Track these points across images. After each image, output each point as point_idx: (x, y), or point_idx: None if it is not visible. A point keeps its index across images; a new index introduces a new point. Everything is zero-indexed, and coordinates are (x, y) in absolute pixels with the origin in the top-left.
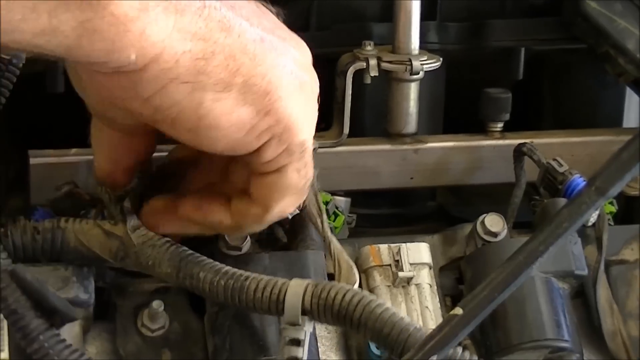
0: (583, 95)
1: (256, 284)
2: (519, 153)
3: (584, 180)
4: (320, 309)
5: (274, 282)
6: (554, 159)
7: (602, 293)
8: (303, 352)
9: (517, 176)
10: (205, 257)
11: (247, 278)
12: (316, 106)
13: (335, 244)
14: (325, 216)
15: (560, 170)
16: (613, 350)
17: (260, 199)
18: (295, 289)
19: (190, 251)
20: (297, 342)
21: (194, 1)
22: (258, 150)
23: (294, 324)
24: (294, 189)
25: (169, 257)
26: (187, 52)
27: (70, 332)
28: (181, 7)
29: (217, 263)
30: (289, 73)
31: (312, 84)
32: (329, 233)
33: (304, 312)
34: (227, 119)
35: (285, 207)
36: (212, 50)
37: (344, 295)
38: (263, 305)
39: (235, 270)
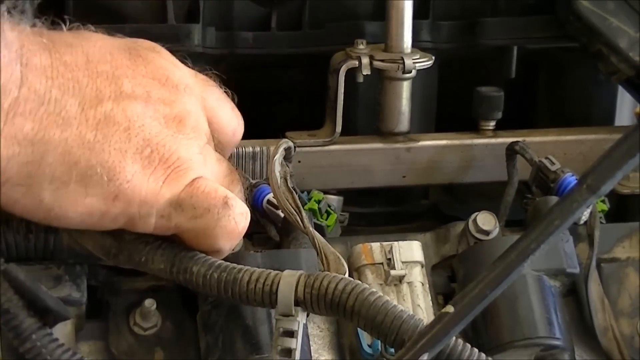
0: (576, 94)
1: (249, 276)
2: (511, 151)
3: (576, 179)
4: (314, 299)
5: (266, 274)
6: (546, 157)
7: (594, 289)
8: (296, 343)
9: (509, 174)
10: (197, 252)
11: (240, 270)
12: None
13: (318, 237)
14: (304, 213)
15: (552, 168)
16: (605, 346)
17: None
18: (288, 280)
19: (183, 247)
20: (291, 333)
21: (29, 102)
22: (135, 227)
23: (287, 315)
24: (216, 237)
25: (161, 253)
26: (15, 157)
27: (62, 331)
28: (12, 112)
29: (210, 257)
30: (138, 148)
31: (179, 143)
32: (310, 228)
33: (297, 303)
34: (73, 210)
35: (224, 246)
36: (43, 151)
37: (337, 284)
38: (256, 296)
39: (228, 263)
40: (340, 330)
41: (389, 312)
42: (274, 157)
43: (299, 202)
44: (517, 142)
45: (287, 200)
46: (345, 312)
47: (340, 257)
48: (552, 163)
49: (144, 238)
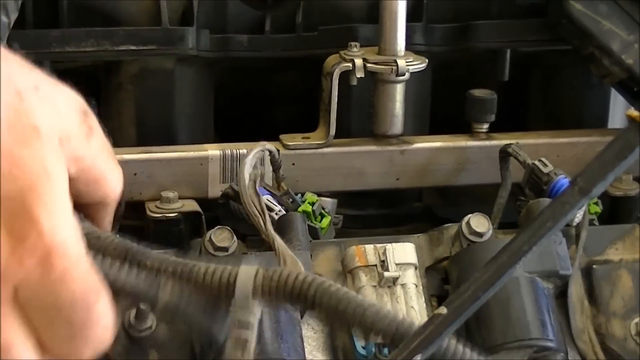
0: (569, 96)
1: (205, 269)
2: (504, 154)
3: (570, 181)
4: (273, 290)
5: (224, 267)
6: (539, 160)
7: (575, 290)
8: (253, 335)
9: (502, 177)
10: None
11: (195, 265)
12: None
13: (278, 241)
14: (267, 215)
15: (545, 170)
16: (581, 348)
17: None
18: (247, 272)
19: (136, 243)
20: (247, 325)
21: None
22: None
23: (244, 307)
24: None
25: (114, 247)
26: None
27: None
28: None
29: (163, 252)
30: None
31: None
32: (271, 231)
33: (254, 296)
34: None
35: None
36: None
37: (297, 276)
38: (213, 287)
39: (185, 259)
40: (334, 332)
41: (350, 301)
42: (245, 159)
43: (264, 205)
44: (510, 144)
45: (253, 203)
46: (306, 302)
47: (299, 261)
48: (545, 165)
49: (96, 233)
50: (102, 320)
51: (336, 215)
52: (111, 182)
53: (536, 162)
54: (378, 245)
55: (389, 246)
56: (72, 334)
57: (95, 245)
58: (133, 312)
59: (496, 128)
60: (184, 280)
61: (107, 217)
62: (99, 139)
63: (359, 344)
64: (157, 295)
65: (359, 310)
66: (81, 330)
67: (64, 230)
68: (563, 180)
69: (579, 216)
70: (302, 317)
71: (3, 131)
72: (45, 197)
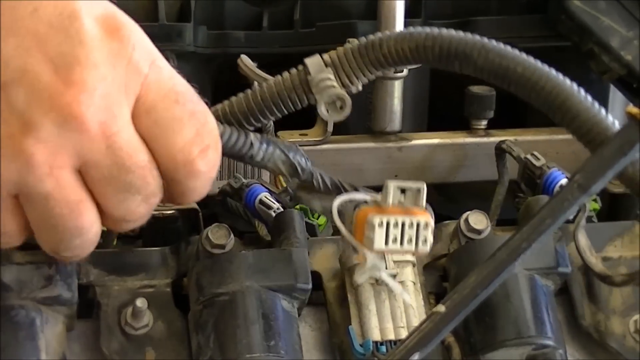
0: None
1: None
2: (499, 150)
3: (562, 173)
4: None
5: None
6: (532, 154)
7: (582, 241)
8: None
9: (499, 174)
10: None
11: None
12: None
13: None
14: None
15: (538, 164)
16: (600, 271)
17: None
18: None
19: None
20: (329, 78)
21: None
22: None
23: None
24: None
25: None
26: None
27: (53, 330)
28: None
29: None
30: None
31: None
32: None
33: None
34: None
35: None
36: None
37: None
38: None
39: None
40: (331, 330)
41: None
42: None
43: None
44: (504, 141)
45: None
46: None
47: None
48: (537, 159)
49: None
50: (210, 113)
51: None
52: None
53: (528, 156)
54: None
55: None
56: (193, 124)
57: None
58: (130, 310)
59: (495, 125)
60: None
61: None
62: None
63: (357, 342)
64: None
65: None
66: (200, 120)
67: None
68: (556, 173)
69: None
70: (299, 315)
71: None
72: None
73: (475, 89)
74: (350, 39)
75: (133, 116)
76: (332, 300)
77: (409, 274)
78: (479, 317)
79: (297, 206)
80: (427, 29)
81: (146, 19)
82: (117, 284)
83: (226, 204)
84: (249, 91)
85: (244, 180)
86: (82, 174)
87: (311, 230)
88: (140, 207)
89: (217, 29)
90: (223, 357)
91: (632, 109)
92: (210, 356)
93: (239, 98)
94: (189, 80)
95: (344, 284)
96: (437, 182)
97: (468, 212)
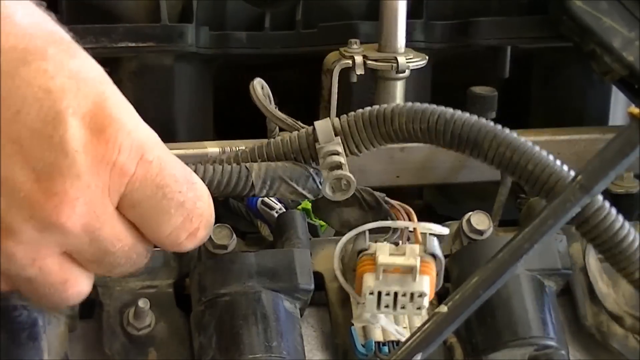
0: (570, 94)
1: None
2: None
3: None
4: (352, 124)
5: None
6: None
7: (592, 263)
8: (344, 160)
9: (502, 174)
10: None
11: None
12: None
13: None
14: None
15: None
16: (612, 310)
17: None
18: (322, 121)
19: None
20: (336, 152)
21: None
22: None
23: (329, 141)
24: None
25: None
26: None
27: (55, 331)
28: None
29: None
30: None
31: None
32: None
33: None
34: None
35: None
36: None
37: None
38: (294, 146)
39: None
40: (334, 331)
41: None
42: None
43: None
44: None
45: None
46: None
47: None
48: None
49: None
50: (203, 194)
51: None
52: None
53: None
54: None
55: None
56: (181, 213)
57: None
58: (132, 311)
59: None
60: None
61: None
62: None
63: (359, 342)
64: (249, 178)
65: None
66: (188, 208)
67: (141, 124)
68: None
69: None
70: (301, 316)
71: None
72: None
73: (477, 89)
74: (362, 110)
75: (119, 208)
76: (335, 301)
77: None
78: (481, 317)
79: (300, 206)
80: (440, 110)
81: (148, 19)
82: (119, 284)
83: (228, 205)
84: (256, 147)
85: None
86: (68, 254)
87: (313, 230)
88: (126, 270)
89: (218, 30)
90: (225, 358)
91: (634, 109)
92: (212, 357)
93: (245, 152)
94: (190, 81)
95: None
96: (439, 183)
97: (470, 213)
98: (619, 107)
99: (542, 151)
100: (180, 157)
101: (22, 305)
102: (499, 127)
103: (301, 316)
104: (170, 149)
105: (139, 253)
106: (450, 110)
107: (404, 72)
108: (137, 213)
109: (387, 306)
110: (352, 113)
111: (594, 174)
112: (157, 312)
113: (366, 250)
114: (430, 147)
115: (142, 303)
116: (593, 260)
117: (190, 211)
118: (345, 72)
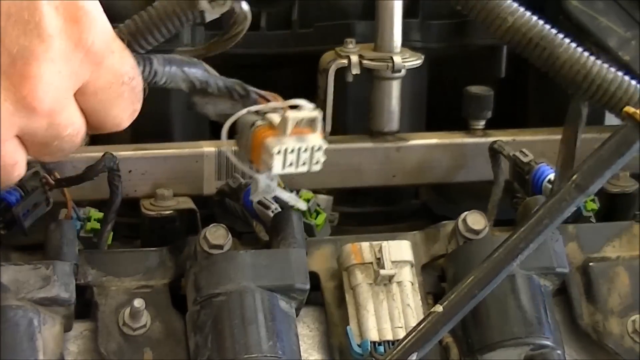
0: (566, 93)
1: None
2: (493, 151)
3: (551, 168)
4: None
5: None
6: (520, 151)
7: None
8: None
9: (494, 174)
10: None
11: None
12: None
13: None
14: None
15: (525, 160)
16: None
17: None
18: None
19: None
20: None
21: None
22: None
23: None
24: None
25: None
26: None
27: (51, 331)
28: None
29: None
30: None
31: None
32: None
33: None
34: None
35: None
36: None
37: None
38: None
39: None
40: (329, 330)
41: None
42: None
43: None
44: (495, 141)
45: None
46: None
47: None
48: (525, 155)
49: None
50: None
51: (332, 213)
52: None
53: (517, 153)
54: (374, 243)
55: (384, 244)
56: (131, 98)
57: None
58: (127, 311)
59: (493, 125)
60: None
61: None
62: None
63: (355, 342)
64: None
65: None
66: (136, 92)
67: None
68: (544, 168)
69: None
70: (297, 315)
71: None
72: None
73: (474, 89)
74: None
75: (79, 93)
76: (330, 301)
77: (407, 274)
78: (477, 317)
79: (294, 208)
80: None
81: None
82: (114, 284)
83: (224, 205)
84: (142, 12)
85: (242, 180)
86: (20, 138)
87: (309, 230)
88: (63, 156)
89: (214, 29)
90: (221, 358)
91: (630, 108)
92: (208, 356)
93: (133, 19)
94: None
95: (342, 285)
96: (435, 182)
97: (466, 213)
98: None
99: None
100: (176, 157)
101: (18, 305)
102: None
103: (297, 316)
104: (166, 149)
105: (81, 139)
106: None
107: (400, 71)
108: (97, 99)
109: (290, 164)
110: None
111: (589, 173)
112: (153, 312)
113: (258, 122)
114: (426, 146)
115: (138, 303)
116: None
117: (137, 94)
118: (341, 72)
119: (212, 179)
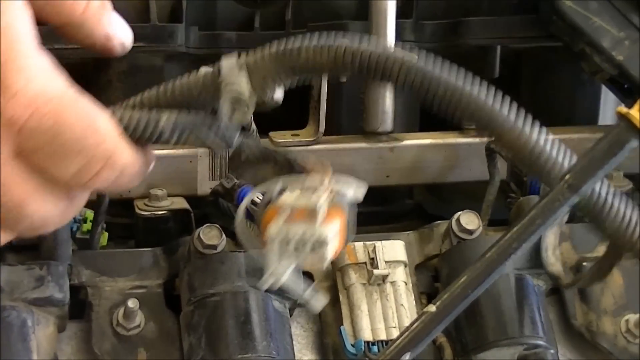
0: (560, 93)
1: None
2: (489, 151)
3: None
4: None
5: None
6: None
7: (549, 237)
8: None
9: (490, 174)
10: None
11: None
12: None
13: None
14: None
15: None
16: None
17: None
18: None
19: None
20: (239, 83)
21: None
22: None
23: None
24: None
25: None
26: None
27: (45, 331)
28: None
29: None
30: None
31: None
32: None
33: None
34: None
35: None
36: None
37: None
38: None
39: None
40: (323, 330)
41: None
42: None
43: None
44: (492, 141)
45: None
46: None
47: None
48: None
49: None
50: (107, 138)
51: None
52: None
53: None
54: (368, 243)
55: (378, 244)
56: (79, 160)
57: None
58: (121, 311)
59: None
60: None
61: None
62: None
63: (349, 342)
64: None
65: None
66: (89, 154)
67: (37, 78)
68: None
69: None
70: (291, 315)
71: None
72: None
73: None
74: (268, 44)
75: (19, 155)
76: None
77: (401, 274)
78: (471, 317)
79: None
80: (346, 42)
81: (137, 19)
82: (108, 284)
83: (218, 205)
84: (162, 87)
85: (236, 180)
86: None
87: None
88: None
89: (208, 30)
90: (215, 358)
91: (622, 109)
92: (202, 357)
93: (150, 94)
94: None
95: (336, 285)
96: (429, 182)
97: (460, 213)
98: (609, 107)
99: (452, 73)
100: (170, 157)
101: (11, 305)
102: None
103: (291, 316)
104: (161, 150)
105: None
106: (358, 41)
107: None
108: (37, 159)
109: (290, 255)
110: (259, 48)
111: (582, 173)
112: (147, 312)
113: (273, 202)
114: (420, 146)
115: (132, 303)
116: (552, 236)
117: (91, 156)
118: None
119: (206, 179)
